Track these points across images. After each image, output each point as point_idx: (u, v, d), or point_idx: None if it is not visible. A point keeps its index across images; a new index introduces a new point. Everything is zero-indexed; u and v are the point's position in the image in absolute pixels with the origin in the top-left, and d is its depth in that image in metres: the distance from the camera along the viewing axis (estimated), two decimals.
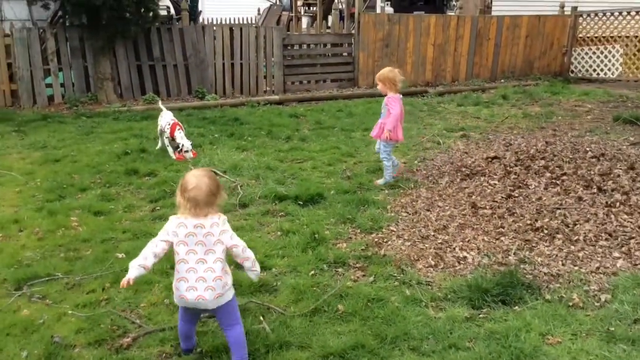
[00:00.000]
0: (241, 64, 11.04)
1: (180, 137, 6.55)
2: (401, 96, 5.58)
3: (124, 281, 2.66)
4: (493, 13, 14.41)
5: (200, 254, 2.70)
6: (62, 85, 9.91)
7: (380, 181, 5.69)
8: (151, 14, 10.04)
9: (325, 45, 11.90)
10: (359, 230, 4.53)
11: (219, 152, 6.83)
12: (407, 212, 4.93)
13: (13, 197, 5.34)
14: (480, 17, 12.95)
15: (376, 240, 4.33)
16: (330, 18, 13.76)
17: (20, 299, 3.48)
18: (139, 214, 4.93)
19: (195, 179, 2.72)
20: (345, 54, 12.08)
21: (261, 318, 3.21)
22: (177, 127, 6.62)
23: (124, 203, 5.15)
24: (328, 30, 12.14)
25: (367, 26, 11.76)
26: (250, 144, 7.29)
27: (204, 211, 2.70)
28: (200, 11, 13.72)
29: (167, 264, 3.80)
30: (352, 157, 6.75)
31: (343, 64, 12.07)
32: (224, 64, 10.93)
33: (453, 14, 14.15)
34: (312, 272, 3.79)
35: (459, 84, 12.54)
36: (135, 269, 2.70)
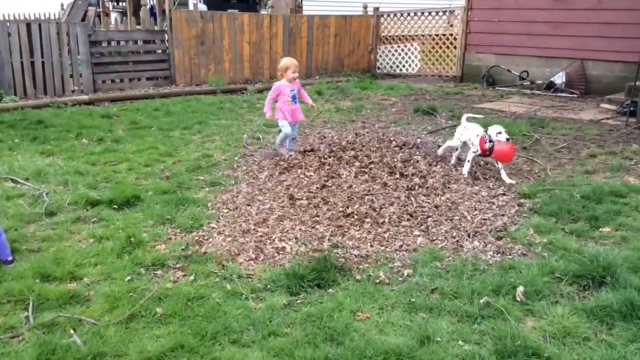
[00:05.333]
0: (43, 62, 10.15)
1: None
2: (279, 83, 6.51)
3: None
4: (304, 12, 14.99)
5: None
6: None
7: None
8: None
9: (136, 42, 11.42)
10: (179, 230, 4.45)
11: (19, 158, 6.25)
12: (228, 208, 4.96)
13: None
14: (291, 16, 13.39)
15: (197, 238, 4.29)
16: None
17: None
18: None
19: None
20: (159, 51, 11.73)
21: (72, 332, 3.01)
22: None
23: None
24: (138, 27, 11.67)
25: (180, 23, 11.53)
26: (57, 148, 6.76)
27: None
28: None
29: None
30: (171, 157, 6.60)
31: (158, 62, 11.71)
32: (22, 63, 9.96)
33: (266, 12, 14.43)
34: (129, 277, 3.65)
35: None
36: None
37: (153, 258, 3.90)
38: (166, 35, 11.59)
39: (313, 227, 4.51)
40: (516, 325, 3.05)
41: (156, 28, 11.95)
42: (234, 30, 12.25)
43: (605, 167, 6.00)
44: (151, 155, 6.61)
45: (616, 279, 3.44)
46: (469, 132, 5.90)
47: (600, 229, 4.38)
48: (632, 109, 8.30)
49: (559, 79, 11.26)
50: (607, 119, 8.71)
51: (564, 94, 11.04)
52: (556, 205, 4.74)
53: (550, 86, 11.30)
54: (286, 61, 6.52)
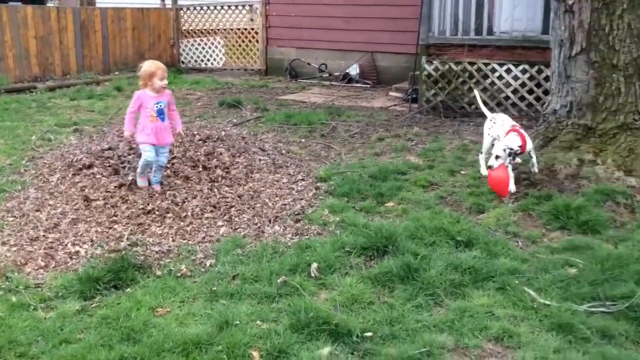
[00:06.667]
0: None
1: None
2: (140, 92, 5.14)
3: None
4: (98, 5, 14.15)
5: None
6: None
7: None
8: None
9: None
10: None
11: None
12: (14, 216, 4.55)
13: None
14: (82, 9, 12.55)
15: None
16: None
17: None
18: None
19: None
20: None
21: None
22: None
23: None
24: None
25: None
26: None
27: None
28: None
29: None
30: None
31: None
32: None
33: (52, 5, 13.35)
34: None
35: (71, 78, 11.97)
36: None
37: None
38: None
39: (111, 228, 4.33)
40: (310, 299, 3.25)
41: None
42: (16, 24, 11.11)
43: (391, 149, 6.61)
44: None
45: (397, 247, 3.84)
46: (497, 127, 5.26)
47: (385, 204, 4.83)
48: (414, 96, 9.22)
49: (354, 70, 12.08)
50: (395, 105, 9.57)
51: (358, 84, 11.88)
52: (348, 186, 5.11)
53: (346, 77, 12.08)
54: (150, 66, 5.06)
